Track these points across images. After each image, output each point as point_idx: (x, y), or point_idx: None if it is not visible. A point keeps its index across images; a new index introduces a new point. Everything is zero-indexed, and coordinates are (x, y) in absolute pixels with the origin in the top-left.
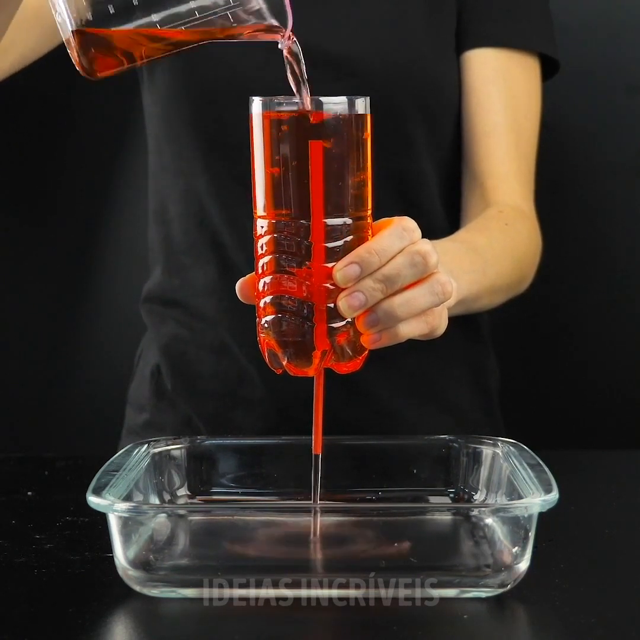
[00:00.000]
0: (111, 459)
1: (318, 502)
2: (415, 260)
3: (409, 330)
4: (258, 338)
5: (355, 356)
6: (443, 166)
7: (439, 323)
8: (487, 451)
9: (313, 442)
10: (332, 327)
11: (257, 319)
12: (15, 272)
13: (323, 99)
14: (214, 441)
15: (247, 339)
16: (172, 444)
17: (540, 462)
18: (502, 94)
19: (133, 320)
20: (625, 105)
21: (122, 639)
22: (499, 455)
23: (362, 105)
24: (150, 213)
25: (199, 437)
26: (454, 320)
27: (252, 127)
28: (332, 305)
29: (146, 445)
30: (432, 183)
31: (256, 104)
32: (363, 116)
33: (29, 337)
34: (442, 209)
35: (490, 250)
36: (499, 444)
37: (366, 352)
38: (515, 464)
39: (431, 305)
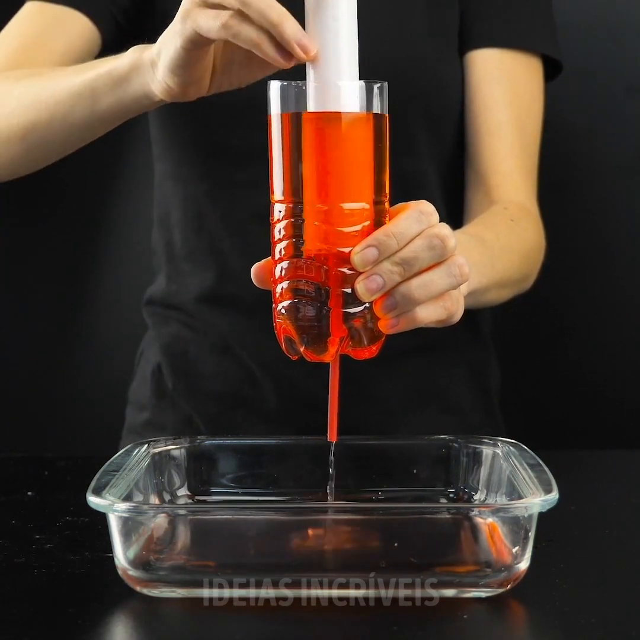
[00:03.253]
0: (111, 459)
1: (333, 489)
2: (433, 243)
3: (427, 314)
4: (274, 324)
5: (373, 342)
6: (445, 166)
7: (457, 308)
8: (487, 451)
9: (328, 429)
10: (349, 312)
11: (274, 305)
12: (16, 272)
13: (341, 83)
14: (214, 441)
15: (248, 341)
16: (172, 444)
17: (540, 462)
18: (506, 93)
19: (134, 320)
20: (625, 105)
21: (122, 639)
22: (499, 455)
23: (378, 90)
24: (155, 218)
25: (199, 437)
26: None
27: (269, 110)
28: (349, 290)
29: (146, 445)
30: (433, 183)
31: (274, 87)
32: (380, 100)
33: (30, 337)
34: (443, 209)
35: (498, 244)
36: (499, 444)
37: (383, 338)
38: (515, 464)
39: (449, 288)
